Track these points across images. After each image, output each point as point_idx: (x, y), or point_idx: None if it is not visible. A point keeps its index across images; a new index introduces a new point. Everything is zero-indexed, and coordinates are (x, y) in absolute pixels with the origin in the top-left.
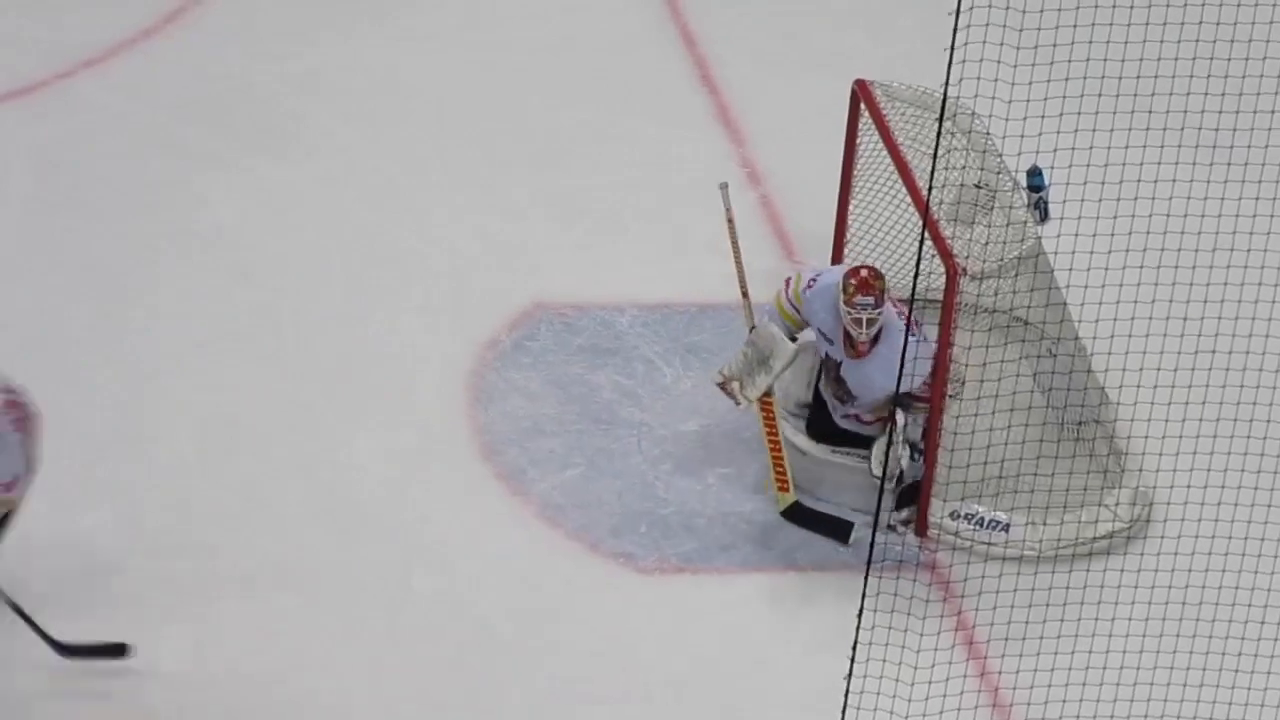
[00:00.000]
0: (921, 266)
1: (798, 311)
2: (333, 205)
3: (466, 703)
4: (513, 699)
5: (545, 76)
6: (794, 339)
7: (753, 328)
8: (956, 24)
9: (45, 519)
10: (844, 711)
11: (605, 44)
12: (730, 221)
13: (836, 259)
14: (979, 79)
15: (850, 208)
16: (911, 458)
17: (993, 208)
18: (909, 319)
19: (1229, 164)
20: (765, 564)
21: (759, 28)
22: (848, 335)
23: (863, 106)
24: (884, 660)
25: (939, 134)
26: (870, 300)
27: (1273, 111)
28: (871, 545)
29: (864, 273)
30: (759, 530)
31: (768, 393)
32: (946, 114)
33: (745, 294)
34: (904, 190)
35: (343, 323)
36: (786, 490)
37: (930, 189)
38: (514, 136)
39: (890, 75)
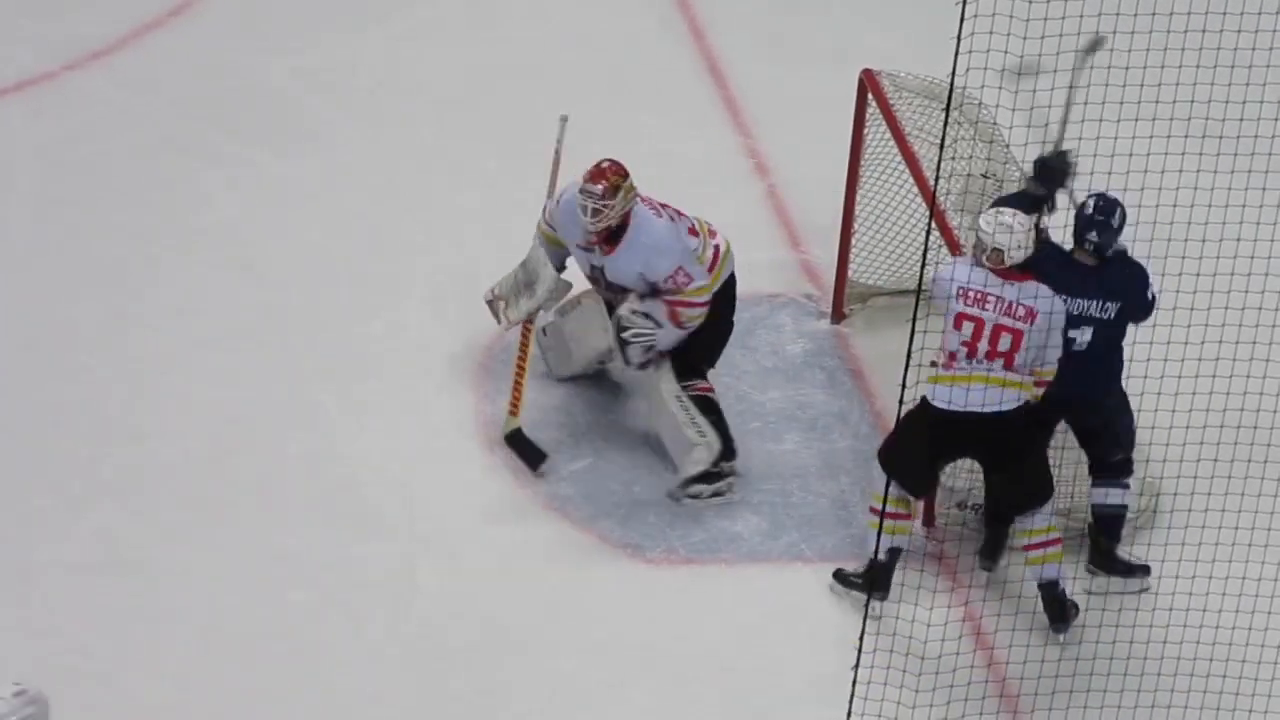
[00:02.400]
0: (929, 256)
1: (554, 230)
2: (338, 201)
3: (475, 695)
4: (520, 691)
5: (551, 70)
6: (563, 268)
7: (530, 252)
8: (964, 13)
9: (51, 514)
10: (851, 701)
11: (612, 37)
12: (557, 153)
13: (844, 250)
14: (986, 69)
15: (857, 198)
16: (640, 317)
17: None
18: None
19: (1235, 154)
20: (772, 555)
21: (766, 19)
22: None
23: (870, 97)
24: (891, 650)
25: (945, 124)
26: (597, 189)
27: None
28: (879, 535)
29: (604, 164)
30: (766, 521)
31: (530, 318)
32: (954, 104)
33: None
34: (911, 180)
35: (348, 318)
36: (515, 415)
37: (937, 179)
38: (519, 131)
39: (897, 65)
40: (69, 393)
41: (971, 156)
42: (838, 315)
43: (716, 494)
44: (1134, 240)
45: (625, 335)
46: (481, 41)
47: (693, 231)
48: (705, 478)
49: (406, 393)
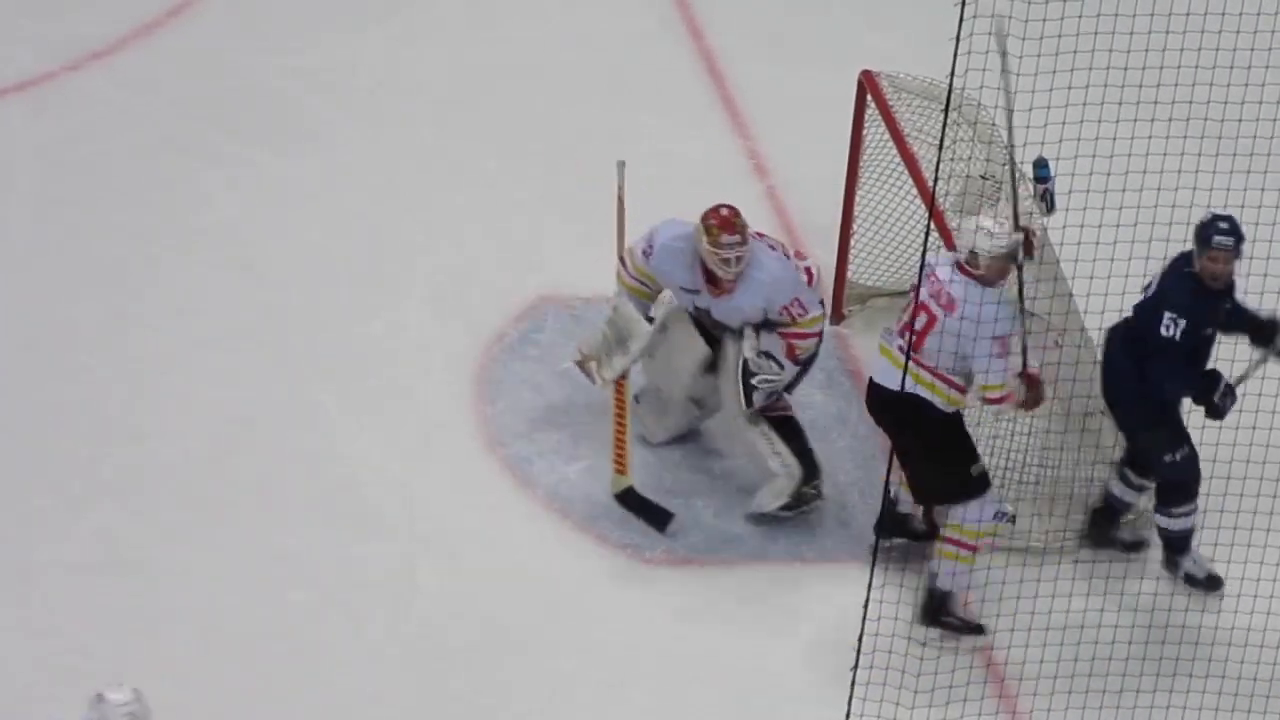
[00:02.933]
0: (927, 258)
1: (646, 285)
2: (338, 201)
3: (473, 695)
4: (520, 691)
5: (550, 70)
6: (650, 319)
7: (615, 308)
8: (962, 15)
9: (51, 514)
10: (850, 702)
11: (611, 37)
12: (620, 200)
13: (843, 251)
14: (985, 70)
15: (856, 199)
16: (765, 358)
17: (999, 199)
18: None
19: (1234, 155)
20: (771, 556)
21: (766, 19)
22: (710, 276)
23: (869, 98)
24: (890, 651)
25: (944, 125)
26: (736, 239)
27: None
28: (877, 537)
29: (724, 212)
30: (765, 522)
31: (623, 375)
32: (953, 105)
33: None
34: (910, 181)
35: (348, 318)
36: (623, 473)
37: (936, 180)
38: (519, 131)
39: (897, 66)
40: (69, 392)
41: (971, 157)
42: (837, 316)
43: (802, 513)
44: (1132, 240)
45: (754, 381)
46: (481, 41)
47: (791, 254)
48: (792, 503)
49: (406, 393)
